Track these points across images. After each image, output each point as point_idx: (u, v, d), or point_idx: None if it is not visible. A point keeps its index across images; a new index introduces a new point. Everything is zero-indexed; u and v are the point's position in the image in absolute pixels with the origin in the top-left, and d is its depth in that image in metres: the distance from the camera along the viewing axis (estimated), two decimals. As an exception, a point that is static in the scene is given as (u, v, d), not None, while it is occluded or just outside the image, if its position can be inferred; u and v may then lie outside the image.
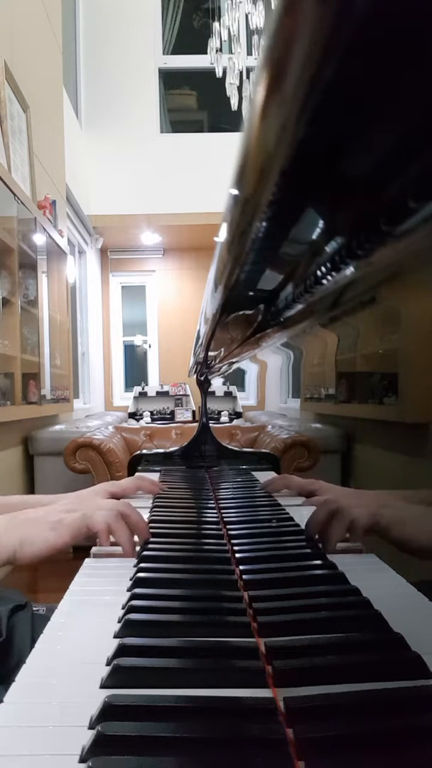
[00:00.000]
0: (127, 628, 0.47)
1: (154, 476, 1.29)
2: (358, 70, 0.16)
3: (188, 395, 6.60)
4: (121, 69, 5.94)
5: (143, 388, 6.74)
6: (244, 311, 0.59)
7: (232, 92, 4.59)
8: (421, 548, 0.60)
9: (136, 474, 1.32)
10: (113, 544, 0.69)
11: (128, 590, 0.56)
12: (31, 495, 0.92)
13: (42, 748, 0.33)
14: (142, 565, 0.62)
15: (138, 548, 0.70)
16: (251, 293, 0.48)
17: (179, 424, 4.43)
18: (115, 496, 0.90)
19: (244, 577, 0.58)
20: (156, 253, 6.81)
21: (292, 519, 0.84)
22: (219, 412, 5.59)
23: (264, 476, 1.26)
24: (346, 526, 0.68)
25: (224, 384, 6.10)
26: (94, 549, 0.70)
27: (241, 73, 4.57)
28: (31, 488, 3.31)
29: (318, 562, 0.64)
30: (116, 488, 0.95)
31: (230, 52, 4.68)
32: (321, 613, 0.50)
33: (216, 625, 0.47)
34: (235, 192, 0.28)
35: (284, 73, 0.17)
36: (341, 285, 0.40)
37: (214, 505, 0.94)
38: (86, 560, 0.68)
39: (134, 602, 0.51)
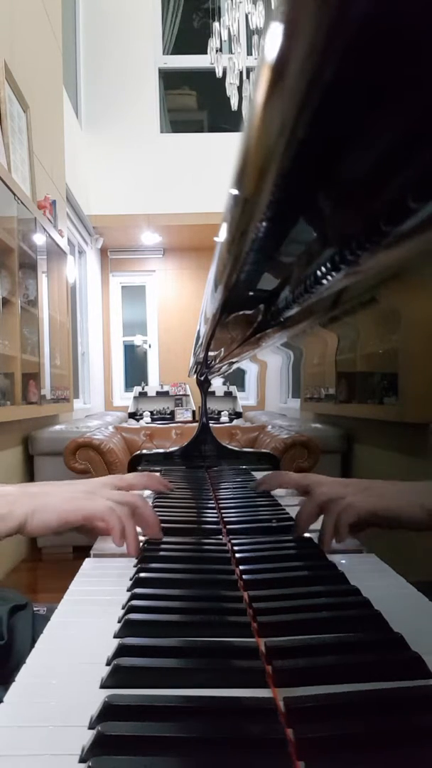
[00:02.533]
0: (127, 628, 0.47)
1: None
2: (358, 70, 0.16)
3: (188, 395, 6.60)
4: (121, 69, 5.94)
5: (143, 388, 6.74)
6: (244, 311, 0.59)
7: (232, 92, 4.60)
8: (413, 520, 0.60)
9: (146, 472, 1.31)
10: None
11: (128, 590, 0.56)
12: (29, 483, 0.91)
13: (42, 748, 0.33)
14: (142, 565, 0.62)
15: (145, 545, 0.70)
16: (251, 293, 0.48)
17: (179, 424, 4.44)
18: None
19: (244, 577, 0.58)
20: (156, 253, 6.81)
21: (292, 519, 0.84)
22: (219, 412, 5.59)
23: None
24: (336, 518, 0.68)
25: (224, 384, 6.09)
26: (95, 546, 0.71)
27: (241, 73, 4.58)
28: (31, 488, 3.31)
29: (318, 562, 0.64)
30: (123, 483, 0.91)
31: (230, 52, 4.68)
32: (321, 613, 0.50)
33: (216, 625, 0.47)
34: (235, 192, 0.28)
35: (284, 73, 0.17)
36: (341, 285, 0.40)
37: (214, 505, 0.94)
38: (86, 560, 0.68)
39: (134, 602, 0.51)
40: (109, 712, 0.35)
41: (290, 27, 0.15)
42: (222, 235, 0.36)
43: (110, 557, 0.69)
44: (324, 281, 0.36)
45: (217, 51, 4.54)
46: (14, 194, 2.73)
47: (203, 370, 1.48)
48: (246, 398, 6.06)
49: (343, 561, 0.65)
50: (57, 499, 0.63)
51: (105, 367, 6.81)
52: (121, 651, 0.42)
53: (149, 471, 1.38)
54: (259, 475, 1.29)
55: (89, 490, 0.69)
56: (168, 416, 6.37)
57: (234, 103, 4.63)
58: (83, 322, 5.87)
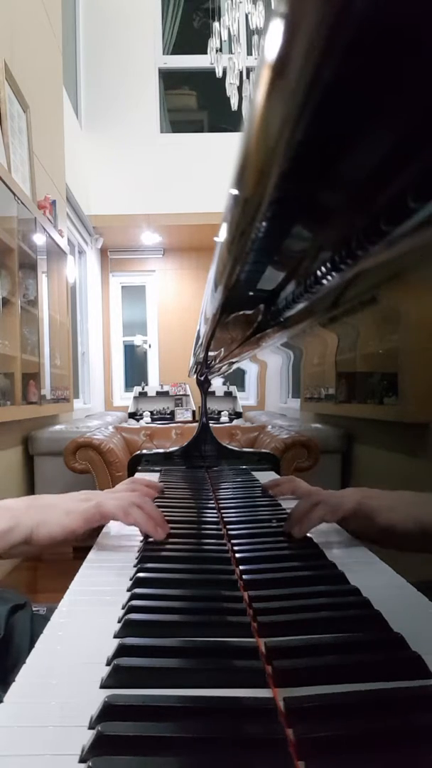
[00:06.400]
0: (127, 628, 0.47)
1: (154, 476, 1.29)
2: (358, 70, 0.16)
3: (188, 395, 6.60)
4: (121, 69, 5.94)
5: (143, 388, 6.74)
6: (244, 311, 0.59)
7: (232, 92, 4.59)
8: (405, 535, 0.60)
9: (135, 476, 1.31)
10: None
11: (128, 590, 0.56)
12: (35, 496, 0.93)
13: (42, 748, 0.33)
14: (142, 565, 0.62)
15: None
16: (251, 293, 0.48)
17: (179, 424, 4.43)
18: None
19: (244, 577, 0.58)
20: (156, 253, 6.81)
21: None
22: (219, 412, 5.59)
23: (264, 476, 1.26)
24: (325, 512, 0.70)
25: (224, 384, 6.10)
26: (95, 546, 0.72)
27: (241, 73, 4.58)
28: (31, 488, 3.31)
29: (318, 561, 0.64)
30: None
31: (230, 52, 4.68)
32: (321, 613, 0.50)
33: (216, 625, 0.47)
34: (235, 192, 0.28)
35: (284, 73, 0.17)
36: (341, 285, 0.40)
37: (214, 505, 0.94)
38: (86, 560, 0.68)
39: (134, 602, 0.51)
40: (109, 712, 0.35)
41: (290, 27, 0.15)
42: (222, 235, 0.36)
43: (110, 557, 0.69)
44: (324, 281, 0.36)
45: (217, 51, 4.54)
46: (14, 194, 2.73)
47: (203, 370, 1.48)
48: (246, 398, 6.06)
49: (343, 560, 0.65)
50: (60, 511, 0.67)
51: (105, 367, 6.81)
52: (121, 651, 0.42)
53: (149, 471, 1.38)
54: (259, 475, 1.29)
55: (86, 497, 0.72)
56: (168, 416, 6.37)
57: (234, 103, 4.63)
58: (83, 322, 5.87)
